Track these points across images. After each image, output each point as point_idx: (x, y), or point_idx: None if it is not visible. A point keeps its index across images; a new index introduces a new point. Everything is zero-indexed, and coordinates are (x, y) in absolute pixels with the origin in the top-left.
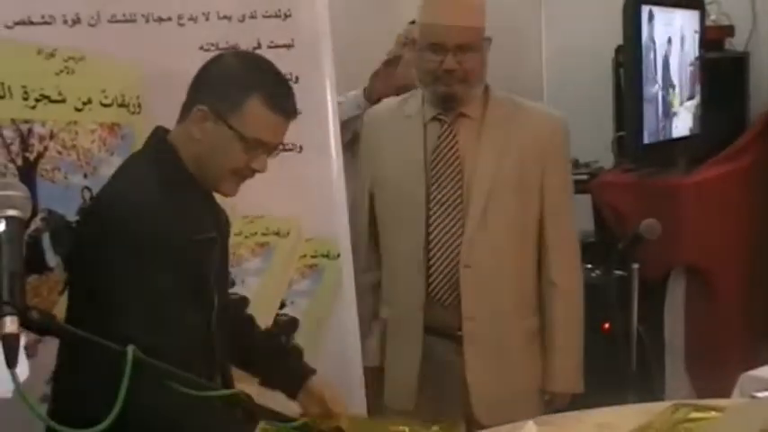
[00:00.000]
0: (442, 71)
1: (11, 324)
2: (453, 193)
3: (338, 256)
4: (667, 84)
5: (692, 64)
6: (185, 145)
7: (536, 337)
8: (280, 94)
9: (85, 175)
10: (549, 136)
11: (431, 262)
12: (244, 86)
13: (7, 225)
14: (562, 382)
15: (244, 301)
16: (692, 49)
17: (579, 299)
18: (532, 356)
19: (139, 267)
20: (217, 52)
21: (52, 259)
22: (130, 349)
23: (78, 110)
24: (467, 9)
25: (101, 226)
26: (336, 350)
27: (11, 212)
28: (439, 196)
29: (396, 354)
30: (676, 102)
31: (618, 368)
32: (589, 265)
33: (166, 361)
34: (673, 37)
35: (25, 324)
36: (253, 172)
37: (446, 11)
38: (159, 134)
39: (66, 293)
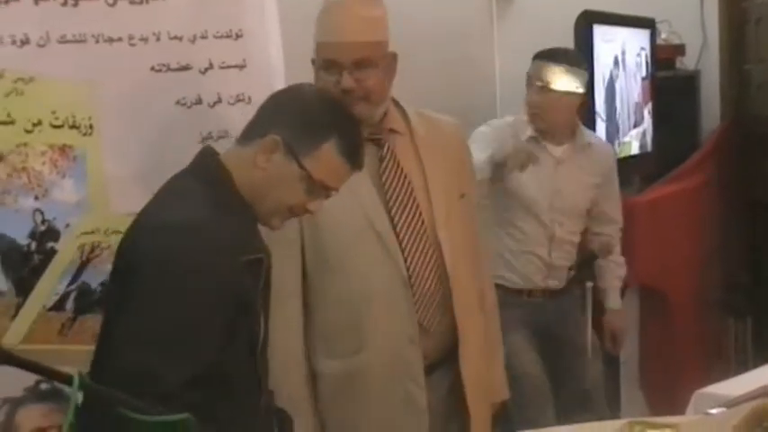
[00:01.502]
0: (340, 91)
1: None
2: (413, 213)
3: None
4: (612, 116)
5: (638, 85)
6: (243, 169)
7: None
8: (355, 145)
9: (36, 198)
10: (463, 144)
11: (414, 289)
12: (323, 130)
13: None
14: (505, 391)
15: None
16: (640, 68)
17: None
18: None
19: (183, 294)
20: (168, 73)
21: (3, 283)
22: (76, 375)
23: (28, 132)
24: (362, 23)
25: (145, 250)
26: None
27: None
28: (402, 219)
29: (387, 400)
30: (621, 133)
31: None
32: None
33: (215, 387)
34: (618, 58)
35: None
36: (305, 212)
37: (339, 27)
38: (210, 154)
39: (20, 316)
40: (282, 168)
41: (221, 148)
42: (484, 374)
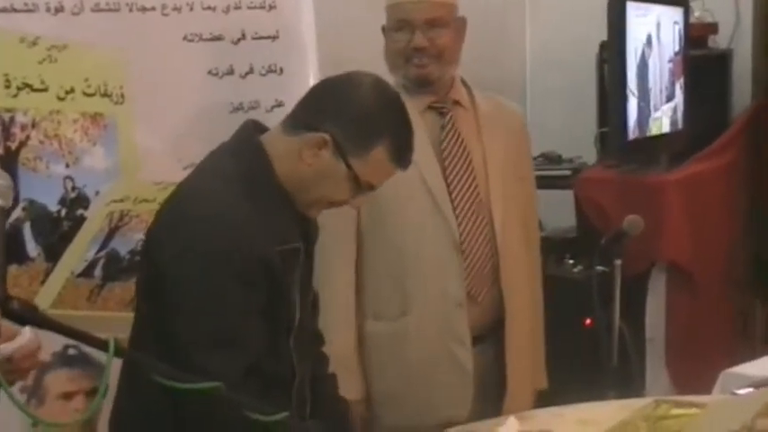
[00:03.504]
0: (412, 49)
1: None
2: (469, 183)
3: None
4: (644, 92)
5: (671, 60)
6: (287, 159)
7: None
8: (405, 146)
9: (67, 165)
10: (524, 130)
11: (465, 254)
12: (375, 132)
13: None
14: (543, 380)
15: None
16: (672, 43)
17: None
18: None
19: (216, 283)
20: (201, 43)
21: (33, 249)
22: (112, 340)
23: (61, 99)
24: None
25: (178, 235)
26: None
27: None
28: (458, 187)
29: (431, 361)
30: (652, 109)
31: (599, 363)
32: (571, 261)
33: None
34: (652, 34)
35: (6, 313)
36: (345, 205)
37: None
38: (251, 135)
39: (49, 281)
40: (329, 166)
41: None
42: (529, 355)
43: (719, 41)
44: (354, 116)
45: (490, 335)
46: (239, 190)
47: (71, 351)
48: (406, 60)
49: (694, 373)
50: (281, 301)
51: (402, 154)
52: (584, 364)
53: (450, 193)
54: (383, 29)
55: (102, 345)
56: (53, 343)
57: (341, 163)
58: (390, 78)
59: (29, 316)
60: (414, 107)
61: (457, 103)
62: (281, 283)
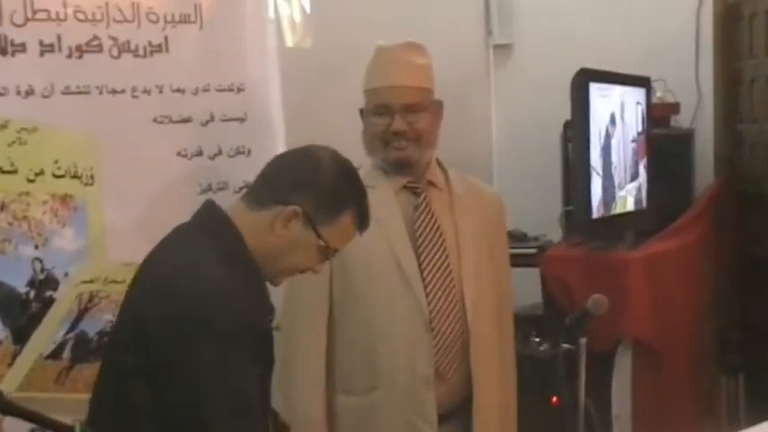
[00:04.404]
0: (391, 134)
1: None
2: (441, 261)
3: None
4: (608, 171)
5: (634, 140)
6: (256, 233)
7: None
8: (367, 213)
9: (36, 247)
10: (500, 212)
11: (435, 332)
12: (342, 201)
13: None
14: None
15: None
16: (636, 123)
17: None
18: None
19: (232, 358)
20: (170, 124)
21: (1, 331)
22: (77, 425)
23: (30, 181)
24: (411, 70)
25: (185, 317)
26: None
27: None
28: (430, 265)
29: None
30: (616, 188)
31: None
32: (537, 339)
33: None
34: (615, 113)
35: None
36: (306, 271)
37: (390, 73)
38: (218, 213)
39: (17, 363)
40: (300, 237)
41: (219, 200)
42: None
43: (681, 121)
44: (322, 188)
45: (459, 412)
46: (225, 267)
47: None
48: (386, 144)
49: None
50: (272, 370)
51: (365, 218)
52: None
53: (421, 272)
54: (361, 112)
55: (67, 430)
56: (19, 426)
57: (311, 232)
58: (356, 159)
59: None
60: (390, 187)
61: (431, 183)
62: (272, 353)
